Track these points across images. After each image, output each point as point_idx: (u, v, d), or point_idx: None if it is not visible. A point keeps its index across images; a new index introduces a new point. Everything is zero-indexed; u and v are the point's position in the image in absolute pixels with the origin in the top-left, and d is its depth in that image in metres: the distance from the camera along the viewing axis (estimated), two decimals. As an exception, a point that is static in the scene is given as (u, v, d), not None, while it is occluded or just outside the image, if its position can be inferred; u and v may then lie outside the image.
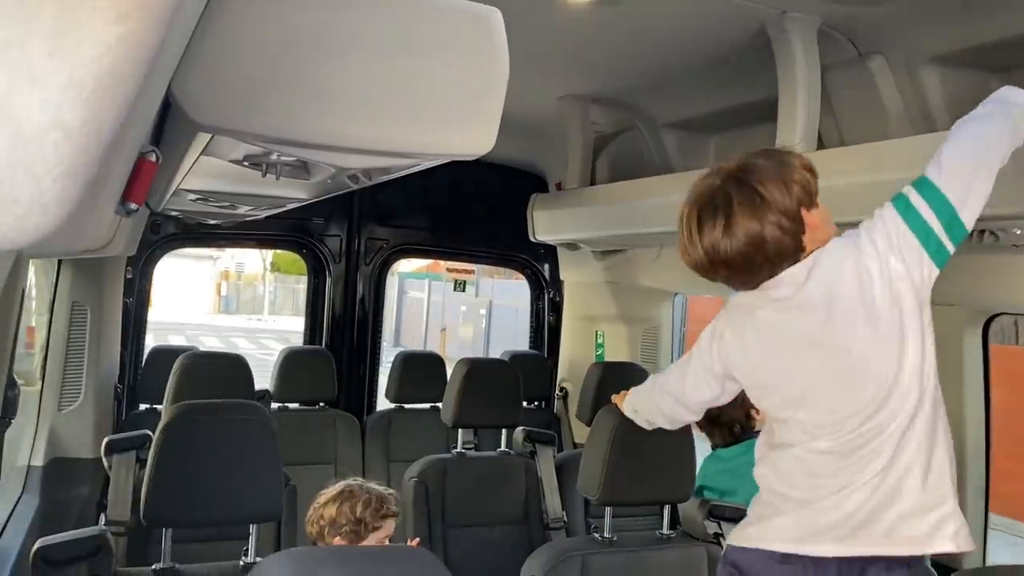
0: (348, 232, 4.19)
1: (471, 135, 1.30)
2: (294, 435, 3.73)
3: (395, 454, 3.97)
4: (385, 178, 1.65)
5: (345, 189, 2.04)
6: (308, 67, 1.20)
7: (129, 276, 3.65)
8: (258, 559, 2.02)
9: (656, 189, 2.99)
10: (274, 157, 1.41)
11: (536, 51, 2.72)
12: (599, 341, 4.20)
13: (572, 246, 3.91)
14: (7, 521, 2.78)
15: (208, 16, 1.12)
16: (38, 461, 3.15)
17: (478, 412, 3.20)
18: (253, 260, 26.85)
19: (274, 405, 3.85)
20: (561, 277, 4.45)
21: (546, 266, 4.53)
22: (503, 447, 3.37)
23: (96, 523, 2.77)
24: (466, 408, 3.15)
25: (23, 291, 2.35)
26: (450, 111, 1.27)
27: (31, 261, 3.29)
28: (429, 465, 3.20)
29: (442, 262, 18.29)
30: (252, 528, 2.04)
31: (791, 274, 1.70)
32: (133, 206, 1.09)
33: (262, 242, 4.46)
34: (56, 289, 3.27)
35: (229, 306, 26.52)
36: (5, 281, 1.65)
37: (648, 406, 2.13)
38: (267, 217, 3.39)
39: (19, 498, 3.04)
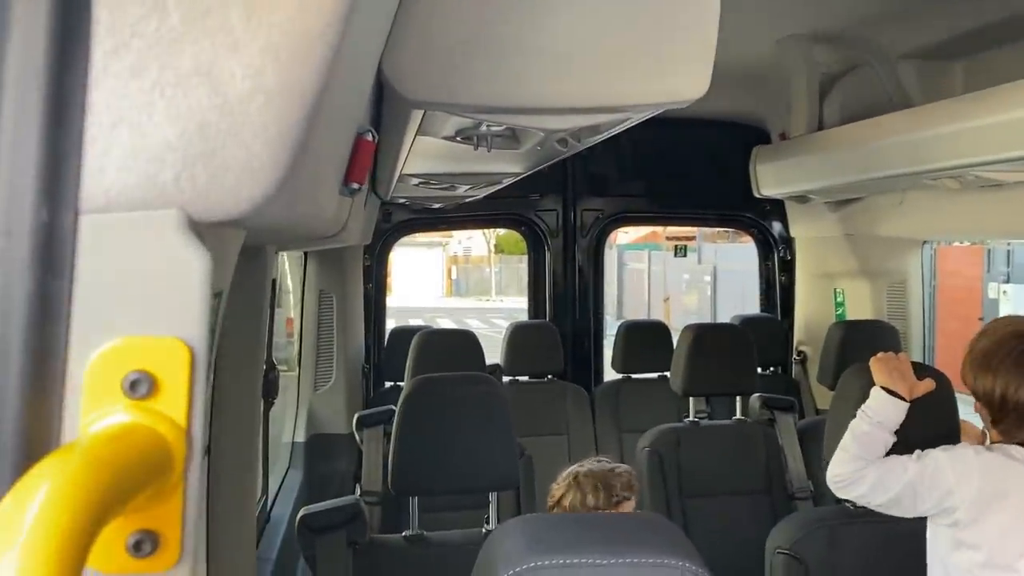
0: (564, 205, 4.20)
1: (684, 79, 1.22)
2: (526, 407, 3.81)
3: (626, 424, 3.95)
4: (596, 139, 1.60)
5: (557, 157, 2.02)
6: (508, 27, 1.17)
7: (367, 264, 3.89)
8: (499, 526, 2.07)
9: (896, 127, 2.71)
10: (484, 128, 1.41)
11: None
12: (839, 299, 3.91)
13: (802, 199, 3.66)
14: (278, 492, 3.06)
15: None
16: (300, 438, 3.45)
17: (709, 379, 3.08)
18: (479, 244, 27.95)
19: (505, 378, 3.95)
20: (791, 234, 4.19)
21: (774, 223, 4.28)
22: (739, 415, 3.24)
23: (353, 493, 2.98)
24: (696, 375, 3.05)
25: (274, 282, 2.56)
26: (659, 56, 1.19)
27: (286, 258, 3.62)
28: (662, 435, 3.14)
29: (660, 230, 18.01)
30: (492, 496, 2.09)
31: None
32: (356, 186, 1.12)
33: (483, 222, 4.58)
34: (304, 280, 3.55)
35: (460, 289, 27.86)
36: (256, 272, 1.80)
37: (861, 433, 1.84)
38: (486, 197, 3.46)
39: (287, 471, 3.34)
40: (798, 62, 3.14)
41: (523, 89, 1.20)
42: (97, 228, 0.49)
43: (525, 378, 4.04)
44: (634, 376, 4.04)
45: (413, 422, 1.98)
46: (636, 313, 19.95)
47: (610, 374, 4.24)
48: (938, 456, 1.75)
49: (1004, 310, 9.42)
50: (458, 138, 1.49)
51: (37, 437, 0.47)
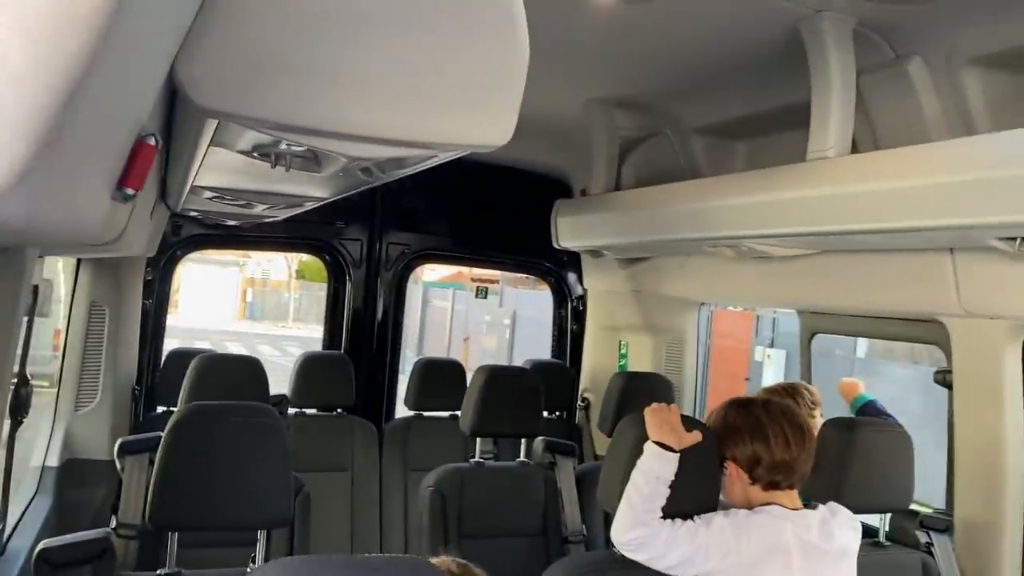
0: (369, 236, 4.15)
1: (489, 124, 1.24)
2: (311, 441, 3.68)
3: (413, 462, 3.91)
4: (401, 173, 1.59)
5: (363, 186, 1.99)
6: (317, 49, 1.14)
7: (149, 277, 3.63)
8: (266, 566, 1.97)
9: (683, 195, 2.91)
10: (283, 147, 1.36)
11: (560, 53, 2.66)
12: (622, 351, 4.11)
13: (596, 253, 3.84)
14: (18, 521, 2.75)
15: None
16: (53, 462, 3.12)
17: (497, 421, 3.12)
18: (279, 267, 27.01)
19: (292, 411, 3.81)
20: (585, 285, 4.38)
21: (570, 274, 4.46)
22: (522, 457, 3.30)
23: (108, 525, 2.73)
24: (485, 416, 3.08)
25: (36, 288, 2.32)
26: (467, 99, 1.21)
27: (60, 265, 3.30)
28: (447, 474, 3.13)
29: (466, 270, 18.27)
30: (260, 534, 1.98)
31: None
32: (131, 191, 1.04)
33: (282, 245, 4.43)
34: (75, 289, 3.25)
35: (255, 313, 26.68)
36: (9, 276, 1.61)
37: (642, 492, 1.95)
38: (288, 220, 3.35)
39: (32, 498, 3.01)
40: (601, 124, 3.31)
41: (326, 111, 1.17)
42: None
43: (313, 411, 3.91)
44: (425, 414, 4.01)
45: (179, 450, 1.84)
46: (437, 351, 20.02)
47: (403, 411, 4.20)
48: (721, 520, 1.93)
49: (767, 371, 10.34)
50: (255, 154, 1.42)
51: None
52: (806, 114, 2.31)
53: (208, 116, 1.17)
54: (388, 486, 3.91)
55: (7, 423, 2.14)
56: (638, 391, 3.29)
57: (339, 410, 3.91)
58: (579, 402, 4.35)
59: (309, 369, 3.81)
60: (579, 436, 4.19)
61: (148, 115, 1.04)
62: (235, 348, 16.94)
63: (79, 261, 3.23)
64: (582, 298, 4.43)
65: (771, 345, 10.98)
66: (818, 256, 2.75)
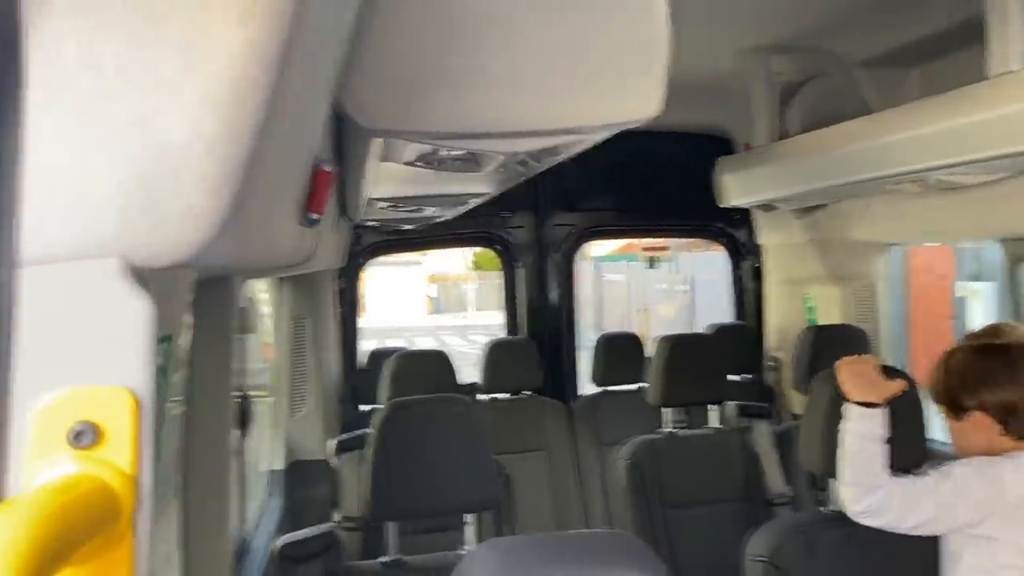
0: (534, 222, 4.22)
1: (636, 99, 1.24)
2: (505, 425, 3.80)
3: (605, 437, 3.96)
4: (557, 159, 1.62)
5: (521, 177, 2.04)
6: (462, 58, 1.19)
7: (340, 287, 3.88)
8: (478, 548, 2.08)
9: (858, 133, 2.75)
10: (443, 153, 1.42)
11: (705, 5, 2.58)
12: (809, 304, 3.95)
13: (767, 207, 3.70)
14: (257, 523, 3.04)
15: (365, 20, 1.14)
16: (279, 465, 3.42)
17: (683, 389, 3.11)
18: (457, 261, 27.96)
19: (484, 397, 3.95)
20: (759, 241, 4.23)
21: (742, 231, 4.32)
22: (715, 423, 3.26)
23: (332, 520, 2.96)
24: (670, 386, 3.07)
25: (243, 310, 2.54)
26: (611, 78, 1.22)
27: (265, 283, 3.60)
28: (640, 446, 3.15)
29: (637, 242, 18.08)
30: (469, 518, 2.09)
31: None
32: (315, 217, 1.13)
33: (455, 241, 4.59)
34: (278, 305, 3.54)
35: (439, 307, 27.81)
36: (220, 302, 1.79)
37: (859, 457, 1.84)
38: (457, 217, 3.48)
39: (265, 500, 3.32)
40: (757, 73, 3.19)
41: (479, 115, 1.21)
42: (37, 279, 0.49)
43: (504, 395, 4.05)
44: (612, 388, 4.05)
45: (387, 447, 1.98)
46: (616, 326, 20.01)
47: (589, 388, 4.26)
48: (962, 470, 1.79)
49: (974, 307, 9.55)
50: (419, 163, 1.50)
51: (-16, 490, 0.47)
52: (981, 29, 2.12)
53: (374, 136, 1.25)
54: (583, 462, 3.98)
55: (231, 434, 2.37)
56: (831, 344, 3.16)
57: (527, 392, 4.02)
58: (768, 362, 4.22)
59: (496, 355, 3.94)
60: (771, 397, 4.07)
61: (320, 144, 1.13)
62: (426, 342, 17.71)
63: (280, 280, 3.50)
64: (758, 255, 4.29)
65: (976, 278, 10.12)
66: (1017, 179, 2.53)
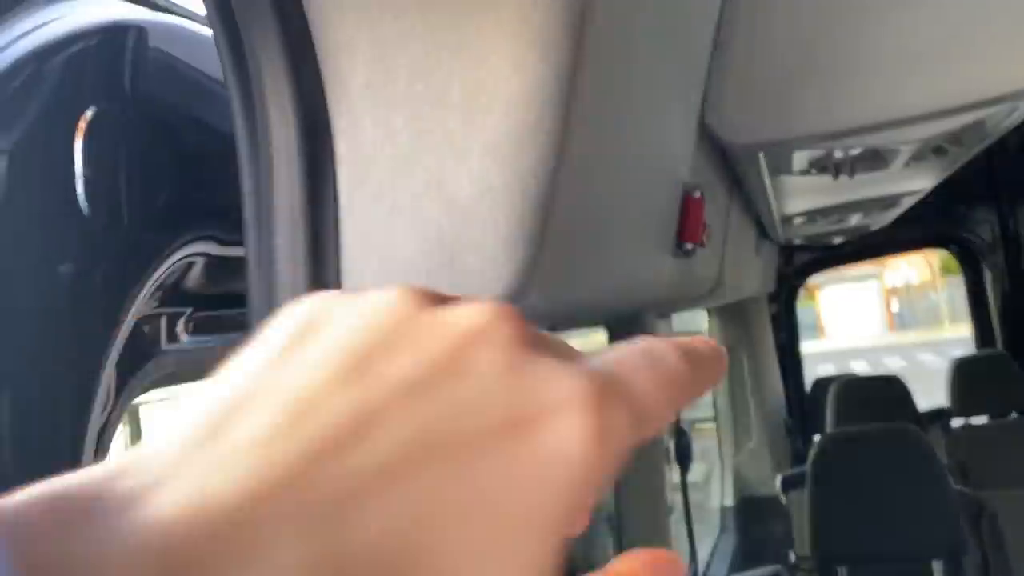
0: (999, 214, 3.62)
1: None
2: (987, 454, 3.27)
3: None
4: (985, 141, 1.36)
5: (955, 166, 1.75)
6: (849, 43, 1.06)
7: (774, 312, 3.73)
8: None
9: None
10: (838, 155, 1.27)
11: None
12: None
13: None
14: (708, 561, 3.01)
15: (725, 32, 1.08)
16: (728, 501, 3.36)
17: None
18: (920, 268, 25.26)
19: (956, 421, 3.46)
20: None
21: None
22: None
23: (787, 559, 2.81)
24: None
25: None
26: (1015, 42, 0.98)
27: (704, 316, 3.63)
28: None
29: None
30: (937, 565, 1.81)
31: None
32: (689, 246, 1.08)
33: (899, 248, 4.14)
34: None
35: (904, 321, 25.31)
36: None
37: None
38: (899, 221, 3.13)
39: (719, 536, 3.27)
40: None
41: (868, 105, 1.07)
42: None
43: (982, 419, 3.49)
44: None
45: (827, 480, 1.82)
46: None
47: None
48: None
49: None
50: (814, 171, 1.37)
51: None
52: None
53: (747, 152, 1.17)
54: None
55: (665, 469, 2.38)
56: None
57: (1015, 414, 3.42)
58: None
59: (965, 374, 3.43)
60: None
61: (689, 171, 1.08)
62: (892, 361, 16.28)
63: (708, 312, 3.49)
64: None
65: None
66: None
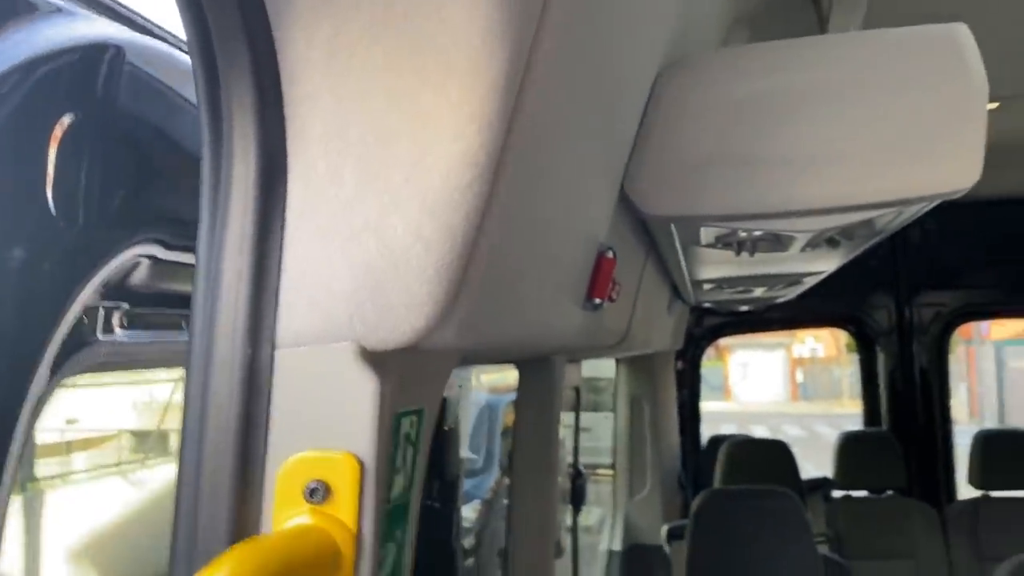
0: (896, 301, 3.86)
1: (951, 169, 1.13)
2: (862, 526, 3.47)
3: (987, 551, 3.41)
4: (875, 237, 1.50)
5: (853, 254, 1.91)
6: (760, 136, 1.18)
7: (680, 368, 3.88)
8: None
9: None
10: (742, 234, 1.40)
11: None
12: None
13: None
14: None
15: (650, 110, 1.19)
16: (616, 546, 3.46)
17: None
18: (828, 343, 26.24)
19: (837, 493, 3.65)
20: None
21: None
22: None
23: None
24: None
25: (577, 389, 2.67)
26: (922, 149, 1.12)
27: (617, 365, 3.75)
28: (1026, 566, 2.67)
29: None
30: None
31: None
32: (597, 301, 1.18)
33: (802, 322, 4.37)
34: (616, 386, 3.65)
35: (807, 392, 26.21)
36: (543, 381, 1.91)
37: None
38: (805, 296, 3.32)
39: (602, 579, 3.37)
40: None
41: (774, 194, 1.19)
42: (288, 360, 0.60)
43: (862, 493, 3.70)
44: (994, 494, 3.50)
45: (704, 535, 1.92)
46: (1021, 420, 17.23)
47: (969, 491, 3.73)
48: None
49: None
50: (719, 246, 1.49)
51: (241, 528, 0.58)
52: None
53: (658, 222, 1.28)
54: (958, 577, 3.47)
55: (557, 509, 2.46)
56: None
57: (891, 491, 3.63)
58: None
59: (850, 448, 3.64)
60: None
61: (605, 232, 1.18)
62: (790, 430, 16.78)
63: (617, 362, 3.62)
64: None
65: None
66: None
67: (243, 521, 0.57)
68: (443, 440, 2.64)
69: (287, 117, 0.59)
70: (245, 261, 0.59)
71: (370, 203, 0.60)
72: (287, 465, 0.58)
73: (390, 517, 0.64)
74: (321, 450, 0.58)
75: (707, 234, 1.39)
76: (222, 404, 0.57)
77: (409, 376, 0.68)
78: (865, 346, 4.01)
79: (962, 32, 1.11)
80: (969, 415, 17.36)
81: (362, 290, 0.59)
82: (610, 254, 1.17)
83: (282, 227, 0.59)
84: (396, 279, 0.59)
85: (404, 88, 0.59)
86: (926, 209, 1.24)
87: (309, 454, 0.58)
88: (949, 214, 1.54)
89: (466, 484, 3.43)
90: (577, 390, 2.53)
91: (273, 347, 0.59)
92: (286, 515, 0.58)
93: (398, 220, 0.59)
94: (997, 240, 3.69)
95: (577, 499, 2.70)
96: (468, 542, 3.46)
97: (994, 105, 1.10)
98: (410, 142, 0.59)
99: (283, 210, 0.60)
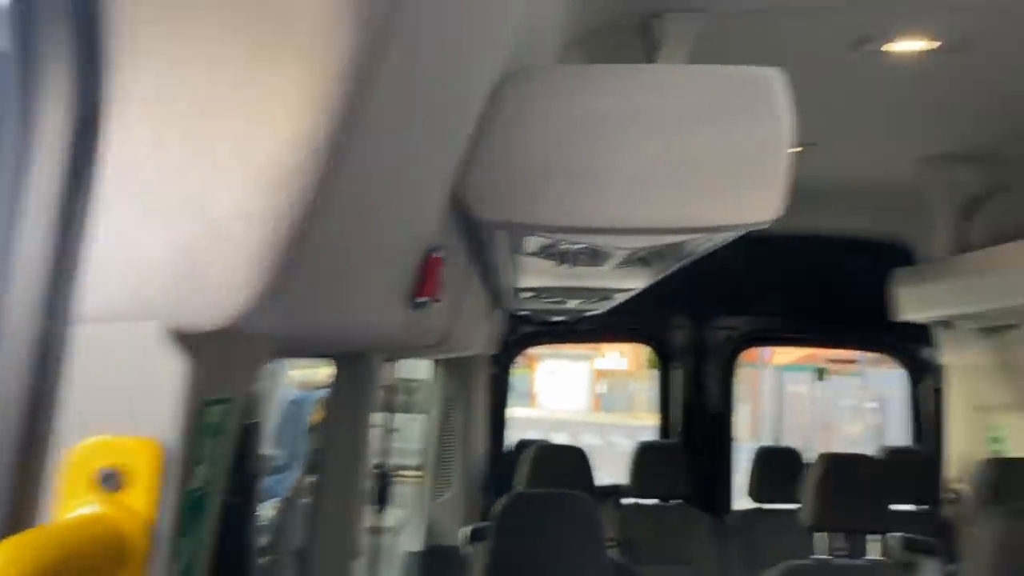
0: (695, 322, 4.13)
1: (757, 204, 1.22)
2: (647, 532, 3.67)
3: (759, 558, 3.70)
4: (682, 259, 1.60)
5: (660, 275, 2.03)
6: (587, 154, 1.22)
7: (493, 373, 3.95)
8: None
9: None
10: (564, 246, 1.45)
11: (881, 114, 2.50)
12: (994, 435, 3.57)
13: (947, 324, 3.43)
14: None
15: (486, 117, 1.20)
16: (416, 547, 3.46)
17: (839, 513, 2.87)
18: (630, 357, 27.62)
19: (628, 500, 3.84)
20: (941, 361, 3.91)
21: (923, 349, 4.02)
22: (877, 555, 2.98)
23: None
24: (824, 509, 2.85)
25: (390, 389, 2.64)
26: (731, 182, 1.21)
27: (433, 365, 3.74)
28: (789, 571, 2.93)
29: (820, 352, 17.14)
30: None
31: None
32: (423, 300, 1.18)
33: (610, 336, 4.58)
34: (434, 387, 3.66)
35: (608, 404, 27.46)
36: (358, 378, 1.88)
37: None
38: (615, 311, 3.47)
39: (399, 581, 3.36)
40: (937, 183, 3.02)
41: (597, 210, 1.23)
42: (90, 336, 0.55)
43: (652, 501, 3.91)
44: (767, 506, 3.82)
45: (505, 537, 1.96)
46: (797, 441, 18.87)
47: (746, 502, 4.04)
48: None
49: None
50: (542, 256, 1.53)
51: (18, 518, 0.52)
52: None
53: (491, 227, 1.30)
54: (730, 581, 3.75)
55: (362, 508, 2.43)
56: (1017, 481, 2.84)
57: (676, 500, 3.87)
58: (947, 494, 3.83)
59: (644, 458, 3.84)
60: (947, 533, 3.67)
61: (435, 232, 1.18)
62: (589, 438, 17.47)
63: (435, 363, 3.62)
64: (939, 375, 3.96)
65: None
66: None
67: (21, 511, 0.52)
68: (245, 434, 2.53)
69: (108, 74, 0.54)
70: (46, 226, 0.53)
71: (194, 174, 0.56)
72: (77, 449, 0.53)
73: (190, 509, 0.60)
74: (119, 435, 0.54)
75: (532, 243, 1.43)
76: (6, 380, 0.52)
77: (221, 362, 0.65)
78: (664, 363, 4.26)
79: (777, 76, 1.20)
80: (751, 433, 18.84)
81: (179, 265, 0.56)
82: (438, 254, 1.17)
83: (92, 191, 0.55)
84: (216, 256, 0.56)
85: (241, 57, 0.56)
86: (732, 238, 1.34)
87: (104, 439, 0.54)
88: (750, 244, 1.68)
89: (267, 481, 3.31)
90: (389, 390, 2.50)
91: (72, 321, 0.54)
92: (74, 504, 0.53)
93: (223, 194, 0.56)
94: (787, 273, 4.02)
95: (382, 499, 2.68)
96: (263, 540, 3.34)
97: (799, 148, 1.20)
98: (242, 116, 0.56)
99: (93, 173, 0.55)
